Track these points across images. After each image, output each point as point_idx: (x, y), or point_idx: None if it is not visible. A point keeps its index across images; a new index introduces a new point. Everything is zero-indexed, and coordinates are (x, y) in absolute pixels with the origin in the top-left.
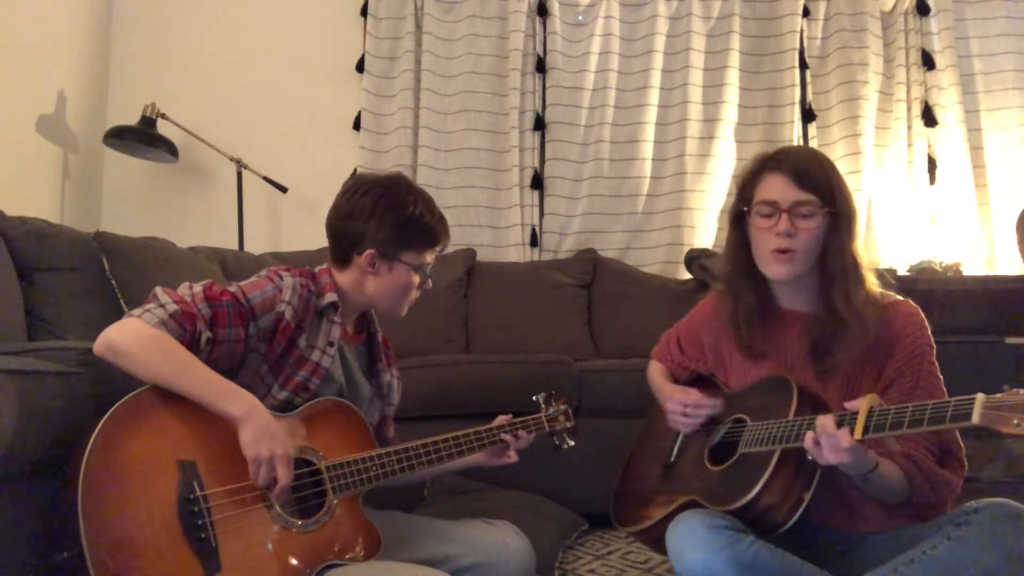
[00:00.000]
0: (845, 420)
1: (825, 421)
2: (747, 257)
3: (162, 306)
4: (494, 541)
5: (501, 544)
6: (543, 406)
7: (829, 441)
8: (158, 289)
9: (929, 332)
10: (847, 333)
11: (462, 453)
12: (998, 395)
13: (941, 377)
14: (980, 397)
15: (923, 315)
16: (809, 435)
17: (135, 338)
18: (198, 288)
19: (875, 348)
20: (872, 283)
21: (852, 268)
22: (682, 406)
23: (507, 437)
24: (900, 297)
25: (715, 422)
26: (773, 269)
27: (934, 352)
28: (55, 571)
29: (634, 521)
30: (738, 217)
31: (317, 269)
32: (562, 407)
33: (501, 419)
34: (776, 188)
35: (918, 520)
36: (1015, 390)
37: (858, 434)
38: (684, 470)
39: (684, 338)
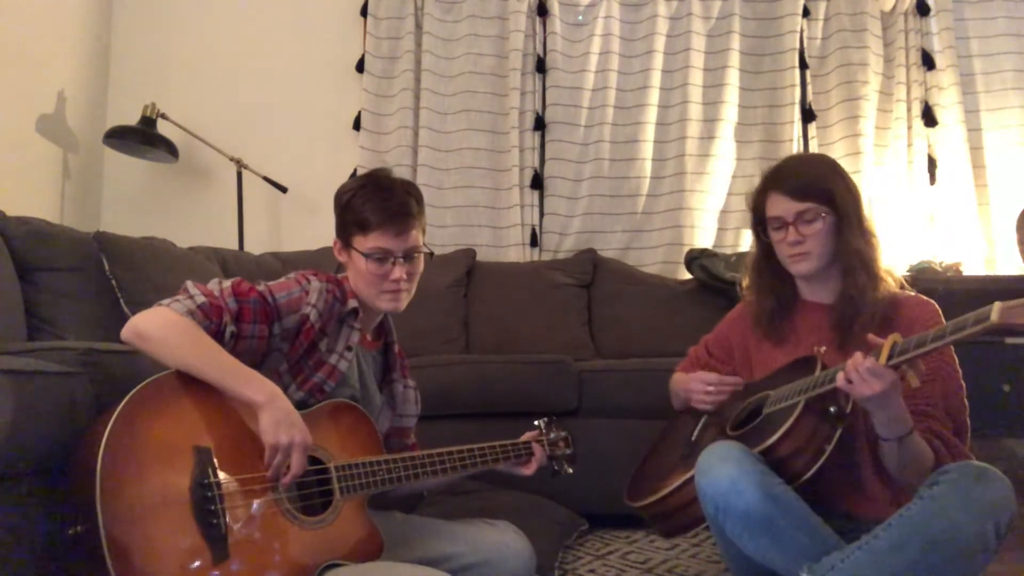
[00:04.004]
0: (871, 354)
1: (854, 357)
2: (771, 266)
3: (191, 297)
4: (494, 541)
5: (501, 544)
6: (544, 431)
7: (859, 374)
8: (189, 283)
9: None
10: (859, 316)
11: (466, 468)
12: (1011, 301)
13: (960, 370)
14: (996, 303)
15: (939, 310)
16: (840, 375)
17: (161, 323)
18: (227, 284)
19: (891, 333)
20: (885, 276)
21: (857, 259)
22: (706, 384)
23: (536, 447)
24: (919, 294)
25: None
26: (795, 268)
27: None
28: (61, 557)
29: (650, 492)
30: (758, 234)
31: (341, 276)
32: (562, 433)
33: (528, 435)
34: (779, 206)
35: None
36: None
37: (883, 360)
38: (706, 443)
39: (713, 343)
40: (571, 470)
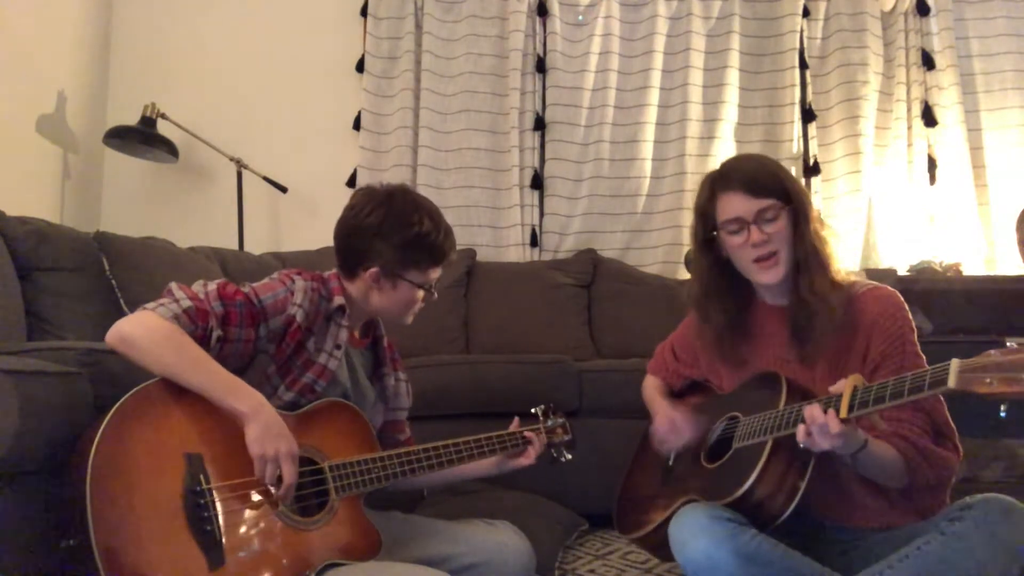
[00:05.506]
0: (831, 403)
1: (812, 411)
2: (722, 275)
3: (176, 301)
4: (494, 541)
5: (501, 544)
6: (541, 418)
7: (819, 429)
8: (173, 285)
9: (908, 314)
10: (817, 318)
11: (462, 459)
12: (972, 359)
13: (924, 356)
14: (955, 362)
15: (901, 298)
16: (801, 428)
17: (146, 330)
18: (212, 286)
19: (855, 335)
20: (838, 270)
21: (813, 256)
22: (659, 433)
23: (530, 435)
24: (876, 283)
25: (710, 423)
26: (764, 277)
27: (915, 334)
28: (60, 558)
29: (636, 527)
30: (707, 242)
31: (327, 274)
32: (560, 420)
33: (515, 423)
34: (735, 205)
35: (917, 516)
36: (988, 352)
37: (843, 413)
38: (682, 472)
39: (678, 345)
40: (570, 456)
